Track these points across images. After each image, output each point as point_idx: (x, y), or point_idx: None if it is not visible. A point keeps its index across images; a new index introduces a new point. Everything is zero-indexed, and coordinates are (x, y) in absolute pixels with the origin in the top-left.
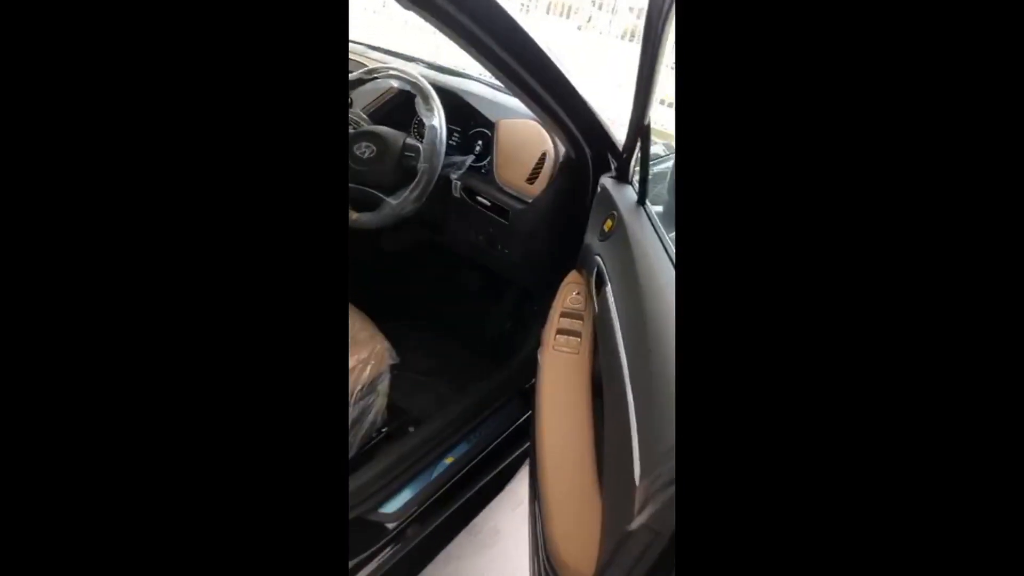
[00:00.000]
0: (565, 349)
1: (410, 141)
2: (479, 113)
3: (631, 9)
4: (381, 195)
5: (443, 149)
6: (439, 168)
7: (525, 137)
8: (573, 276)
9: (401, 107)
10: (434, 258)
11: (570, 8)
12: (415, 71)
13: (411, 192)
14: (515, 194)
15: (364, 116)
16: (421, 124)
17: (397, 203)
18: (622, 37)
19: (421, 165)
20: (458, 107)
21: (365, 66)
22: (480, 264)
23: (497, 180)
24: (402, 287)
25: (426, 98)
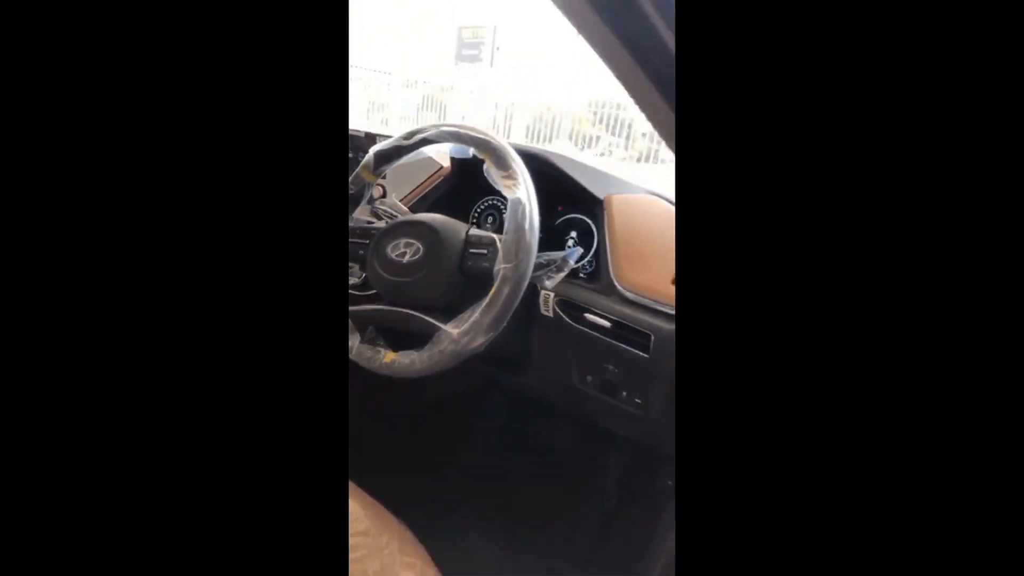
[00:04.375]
0: None
1: (476, 233)
2: (577, 186)
3: (643, 135)
4: (433, 320)
5: (536, 239)
6: (529, 270)
7: (651, 218)
8: None
9: (454, 195)
10: (498, 402)
11: (591, 138)
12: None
13: (483, 314)
14: (657, 306)
15: (402, 207)
16: (487, 213)
17: (459, 332)
18: (639, 160)
19: (500, 267)
20: (550, 181)
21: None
22: (570, 412)
23: (619, 286)
24: (453, 445)
25: (501, 159)
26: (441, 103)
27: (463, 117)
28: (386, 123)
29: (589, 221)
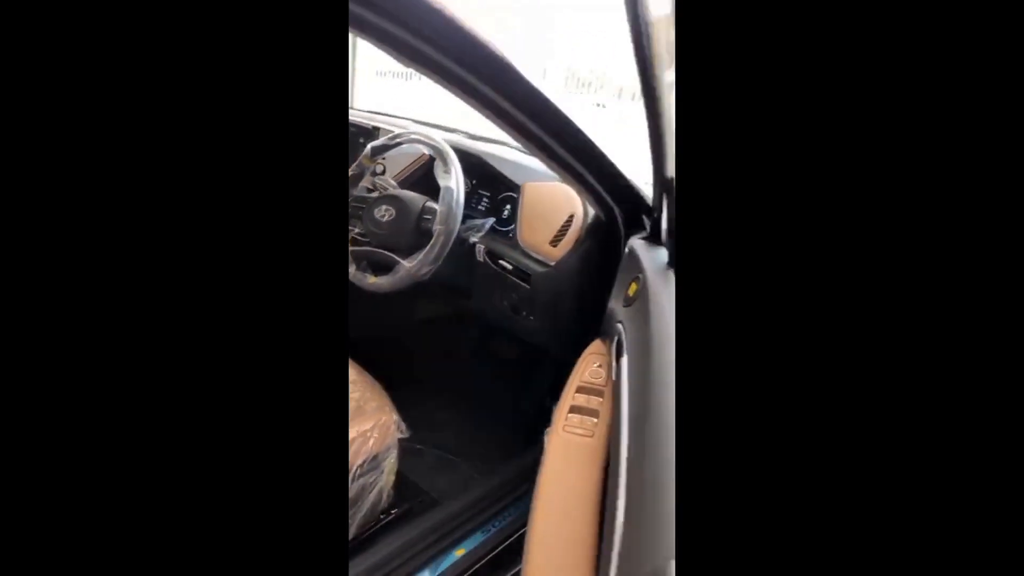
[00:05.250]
0: (578, 431)
1: (429, 204)
2: (505, 177)
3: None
4: (398, 258)
5: (460, 211)
6: (455, 230)
7: (552, 199)
8: (596, 346)
9: (429, 175)
10: (467, 327)
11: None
12: (438, 135)
13: (426, 255)
14: (538, 257)
15: (392, 182)
16: None
17: (412, 265)
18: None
19: (436, 227)
20: (487, 172)
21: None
22: (512, 334)
23: (521, 243)
24: (433, 357)
25: (444, 160)
26: None
27: None
28: None
29: (518, 198)
